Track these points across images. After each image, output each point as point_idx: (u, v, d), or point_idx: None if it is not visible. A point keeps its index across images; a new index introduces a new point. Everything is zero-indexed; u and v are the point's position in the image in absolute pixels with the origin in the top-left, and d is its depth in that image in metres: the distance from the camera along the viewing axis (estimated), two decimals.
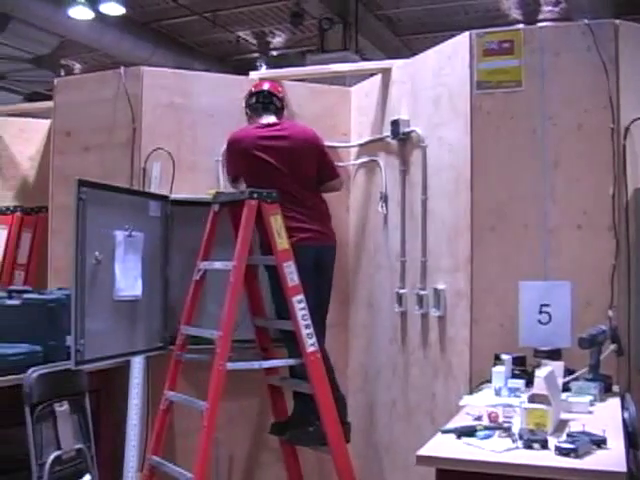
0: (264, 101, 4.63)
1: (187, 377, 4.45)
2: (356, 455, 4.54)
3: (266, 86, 4.69)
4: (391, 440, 4.69)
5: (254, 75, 5.13)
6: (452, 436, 2.70)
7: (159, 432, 4.31)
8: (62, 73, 13.10)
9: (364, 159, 5.01)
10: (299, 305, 4.11)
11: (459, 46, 4.13)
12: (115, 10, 10.70)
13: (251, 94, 4.69)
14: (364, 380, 4.99)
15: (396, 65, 4.80)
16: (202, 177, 4.81)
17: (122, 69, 4.89)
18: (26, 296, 4.22)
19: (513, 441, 2.59)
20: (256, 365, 4.27)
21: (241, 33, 12.72)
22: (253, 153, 4.41)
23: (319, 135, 4.61)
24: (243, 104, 4.72)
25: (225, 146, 4.58)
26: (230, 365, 3.96)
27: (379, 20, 11.61)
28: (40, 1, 10.56)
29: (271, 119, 4.58)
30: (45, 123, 5.87)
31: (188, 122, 4.86)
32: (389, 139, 4.69)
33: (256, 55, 13.48)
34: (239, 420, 4.81)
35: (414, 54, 4.78)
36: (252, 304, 4.49)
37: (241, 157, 4.46)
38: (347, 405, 4.50)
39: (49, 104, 5.45)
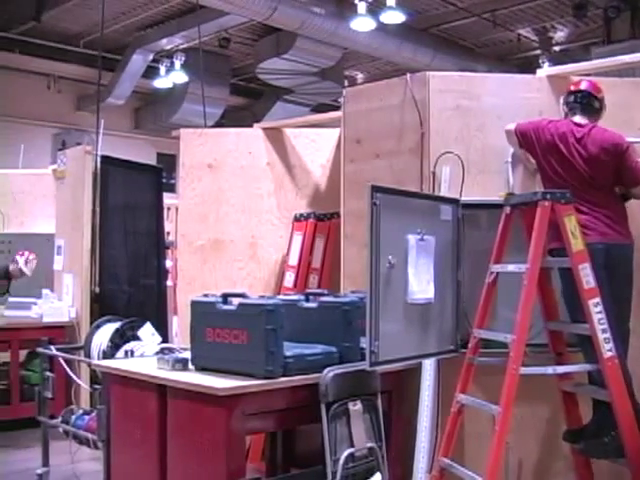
0: (582, 101, 4.52)
1: (476, 380, 4.41)
2: None
3: (584, 85, 4.57)
4: None
5: (541, 73, 5.00)
6: None
7: (450, 434, 4.31)
8: (346, 84, 13.56)
9: None
10: (595, 309, 3.96)
11: None
12: (396, 18, 10.90)
13: (569, 92, 4.59)
14: None
15: None
16: (492, 179, 4.75)
17: (408, 75, 4.93)
18: (322, 299, 4.35)
19: None
20: (550, 370, 4.17)
21: (522, 30, 12.50)
22: (557, 147, 4.38)
23: (622, 142, 4.38)
24: (561, 101, 4.64)
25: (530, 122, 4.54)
26: (523, 370, 3.90)
27: None
28: (324, 17, 11.01)
29: (583, 120, 4.46)
30: (334, 132, 6.09)
31: (476, 124, 4.81)
32: None
33: (538, 52, 13.17)
34: (530, 425, 4.68)
35: None
36: (545, 307, 4.36)
37: (546, 144, 4.43)
38: None
39: (337, 114, 5.62)
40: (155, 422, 3.94)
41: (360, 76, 15.16)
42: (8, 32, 13.87)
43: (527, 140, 4.52)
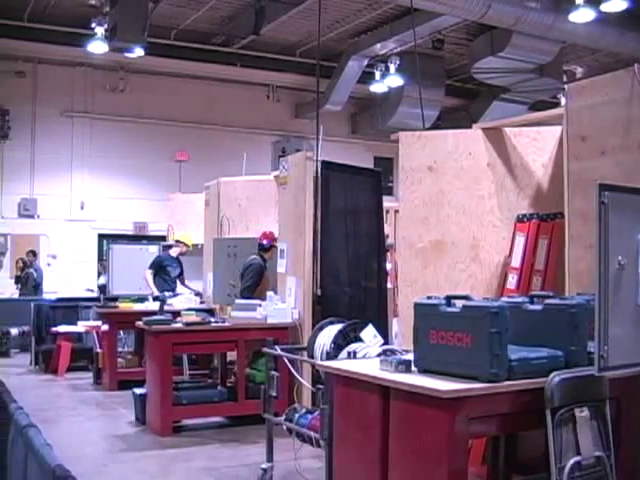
0: None
1: None
2: None
3: None
4: None
5: None
6: None
7: None
8: (565, 79, 13.17)
9: None
10: None
11: None
12: (617, 6, 10.48)
13: None
14: None
15: None
16: None
17: (635, 66, 4.74)
18: (547, 301, 4.24)
19: None
20: None
21: None
22: None
23: None
24: None
25: None
26: None
27: None
28: (539, 11, 10.79)
29: None
30: (555, 130, 5.92)
31: None
32: None
33: None
34: None
35: None
36: None
37: None
38: None
39: (558, 111, 5.49)
40: (377, 423, 3.98)
41: (579, 70, 14.66)
42: (230, 47, 14.57)
43: None
